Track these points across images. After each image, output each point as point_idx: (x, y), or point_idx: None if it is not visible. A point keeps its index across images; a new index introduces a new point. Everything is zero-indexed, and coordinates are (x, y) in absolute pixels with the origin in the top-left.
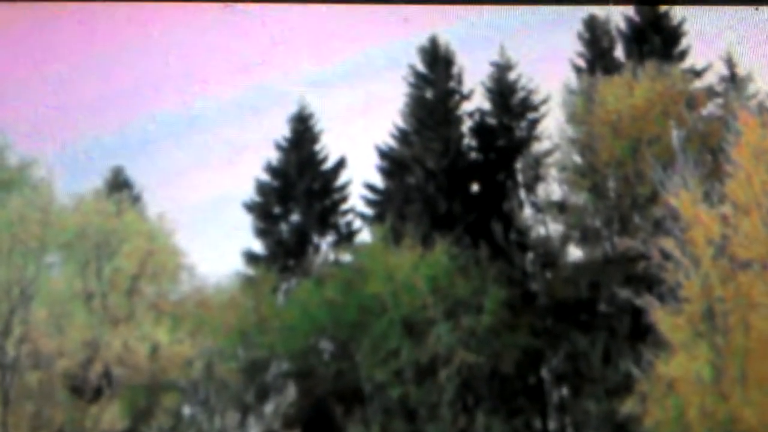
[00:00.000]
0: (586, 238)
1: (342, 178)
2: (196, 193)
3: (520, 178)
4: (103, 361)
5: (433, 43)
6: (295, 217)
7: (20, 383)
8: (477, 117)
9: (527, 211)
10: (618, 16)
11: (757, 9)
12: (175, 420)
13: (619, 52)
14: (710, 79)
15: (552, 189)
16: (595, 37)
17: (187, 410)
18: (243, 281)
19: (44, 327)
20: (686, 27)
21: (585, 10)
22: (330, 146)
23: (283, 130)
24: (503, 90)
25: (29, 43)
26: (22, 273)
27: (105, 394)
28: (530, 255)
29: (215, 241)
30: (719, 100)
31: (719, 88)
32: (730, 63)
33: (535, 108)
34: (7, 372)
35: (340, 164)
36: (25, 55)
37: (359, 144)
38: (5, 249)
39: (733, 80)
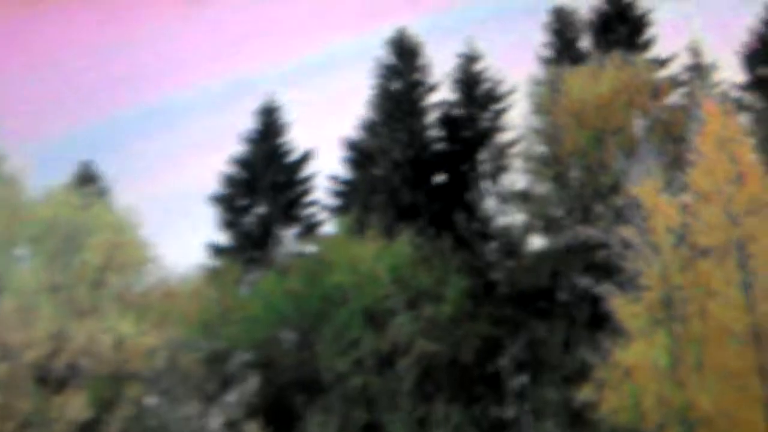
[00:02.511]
0: (549, 227)
1: (308, 170)
2: (163, 186)
3: (484, 168)
4: (69, 352)
5: (401, 34)
6: (260, 209)
7: None
8: (443, 108)
9: (490, 201)
10: (584, 7)
11: None
12: (138, 409)
13: (585, 43)
14: (675, 68)
15: (516, 179)
16: (561, 27)
17: (150, 400)
18: (207, 273)
19: (12, 319)
20: (652, 17)
21: (552, 1)
22: (297, 139)
23: (250, 124)
24: (469, 81)
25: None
26: None
27: (70, 385)
28: (493, 244)
29: (181, 234)
30: (683, 89)
31: (684, 77)
32: (695, 52)
33: (500, 99)
34: None
35: (306, 156)
36: None
37: (325, 135)
38: None
39: (698, 69)
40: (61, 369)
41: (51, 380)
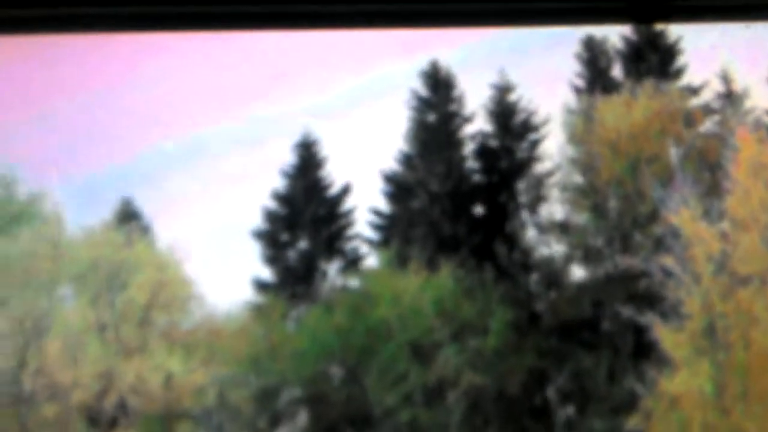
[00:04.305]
0: (589, 257)
1: (347, 204)
2: (204, 223)
3: (522, 199)
4: (118, 391)
5: (434, 67)
6: (302, 244)
7: (37, 416)
8: (479, 139)
9: (530, 232)
10: (615, 36)
11: (748, 26)
12: None
13: (617, 72)
14: (707, 96)
15: (554, 209)
16: (593, 57)
17: None
18: (253, 309)
19: (59, 359)
20: (682, 45)
21: (583, 31)
22: (335, 172)
23: (288, 158)
24: (504, 112)
25: (34, 76)
26: (34, 306)
27: (121, 424)
28: (534, 275)
29: (224, 270)
30: (716, 117)
31: (716, 104)
32: (726, 79)
33: (535, 129)
34: (23, 405)
35: (346, 190)
36: (30, 88)
37: (364, 169)
38: (17, 283)
39: (730, 97)
40: (111, 408)
41: (101, 420)
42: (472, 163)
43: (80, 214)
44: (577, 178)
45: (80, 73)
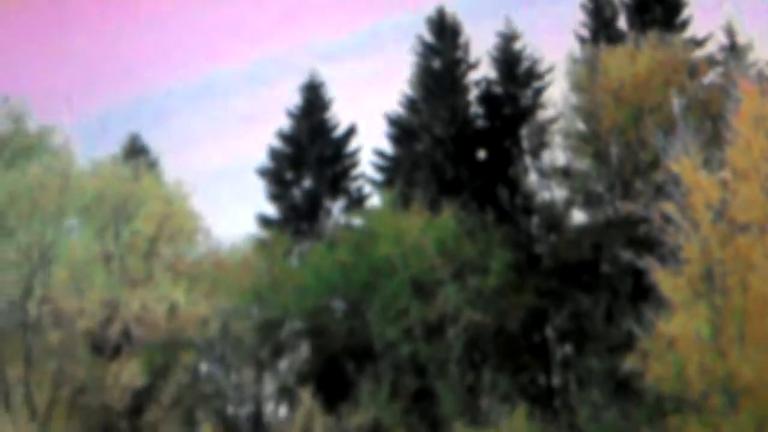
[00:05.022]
0: (590, 202)
1: (352, 145)
2: (211, 159)
3: (525, 144)
4: (123, 320)
5: (440, 13)
6: (307, 183)
7: (42, 342)
8: (483, 86)
9: (532, 177)
10: None
11: None
12: (193, 376)
13: (622, 23)
14: (711, 48)
15: (556, 155)
16: (598, 8)
17: (204, 367)
18: (257, 244)
19: (65, 288)
20: None
21: None
22: (340, 114)
23: (294, 99)
24: (509, 59)
25: (48, 14)
26: (41, 237)
27: (124, 352)
28: (535, 219)
29: (230, 205)
30: (720, 69)
31: (720, 57)
32: (730, 32)
33: (540, 77)
34: (29, 331)
35: (351, 131)
36: (44, 26)
37: (369, 112)
38: (25, 214)
39: (734, 49)
40: (114, 336)
41: (105, 348)
42: (476, 109)
43: (89, 148)
44: (580, 126)
45: (93, 12)
